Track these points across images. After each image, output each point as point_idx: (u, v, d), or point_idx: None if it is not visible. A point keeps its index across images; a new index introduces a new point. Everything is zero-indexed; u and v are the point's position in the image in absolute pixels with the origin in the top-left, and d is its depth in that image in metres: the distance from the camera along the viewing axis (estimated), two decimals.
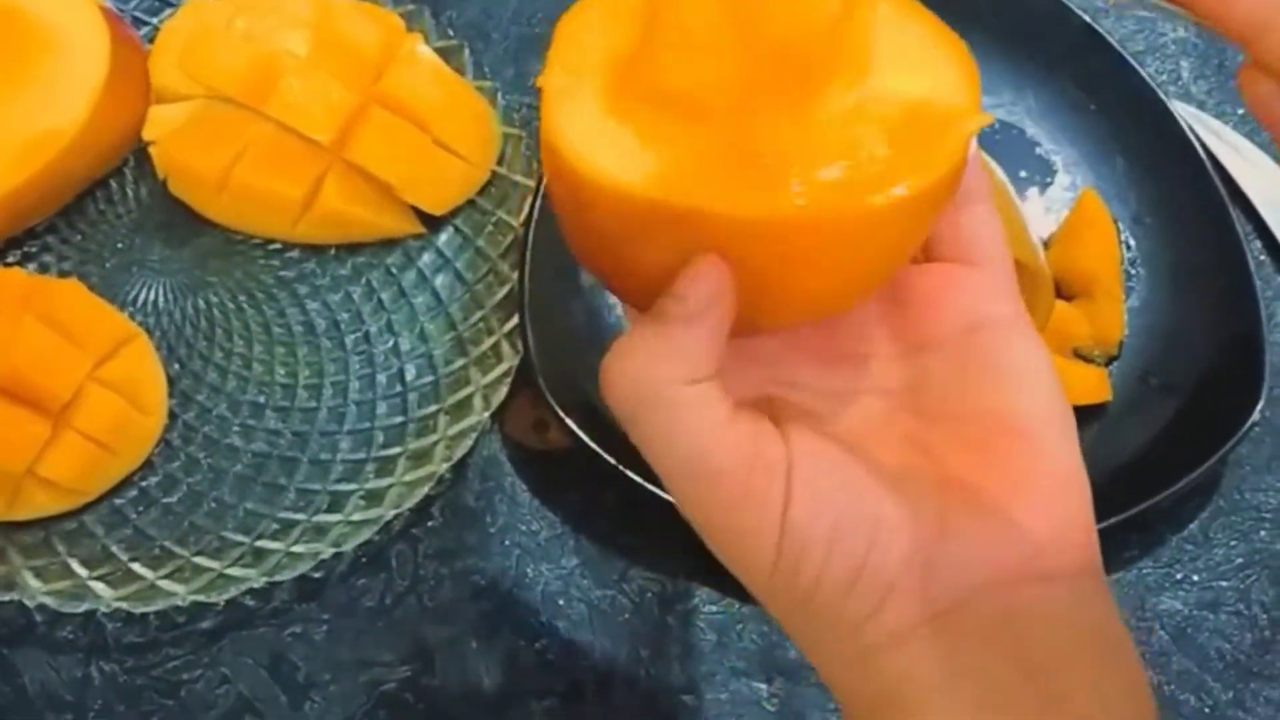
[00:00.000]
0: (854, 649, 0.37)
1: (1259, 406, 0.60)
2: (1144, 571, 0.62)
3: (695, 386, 0.36)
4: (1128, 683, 0.38)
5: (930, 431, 0.39)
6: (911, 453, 0.39)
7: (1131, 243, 0.68)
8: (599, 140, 0.35)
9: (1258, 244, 0.70)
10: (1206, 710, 0.59)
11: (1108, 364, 0.64)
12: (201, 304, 0.66)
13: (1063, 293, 0.65)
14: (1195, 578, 0.62)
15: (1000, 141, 0.71)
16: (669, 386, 0.36)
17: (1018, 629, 0.37)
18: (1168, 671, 0.60)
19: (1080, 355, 0.64)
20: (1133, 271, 0.68)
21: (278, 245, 0.67)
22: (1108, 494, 0.60)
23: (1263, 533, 0.62)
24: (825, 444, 0.37)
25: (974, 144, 0.37)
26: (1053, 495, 0.38)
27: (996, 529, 0.37)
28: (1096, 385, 0.63)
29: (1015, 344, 0.39)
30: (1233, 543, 0.62)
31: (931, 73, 0.36)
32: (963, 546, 0.37)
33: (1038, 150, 0.71)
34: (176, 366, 0.64)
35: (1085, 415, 0.63)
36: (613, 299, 0.66)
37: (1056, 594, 0.37)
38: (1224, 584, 0.61)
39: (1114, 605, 0.39)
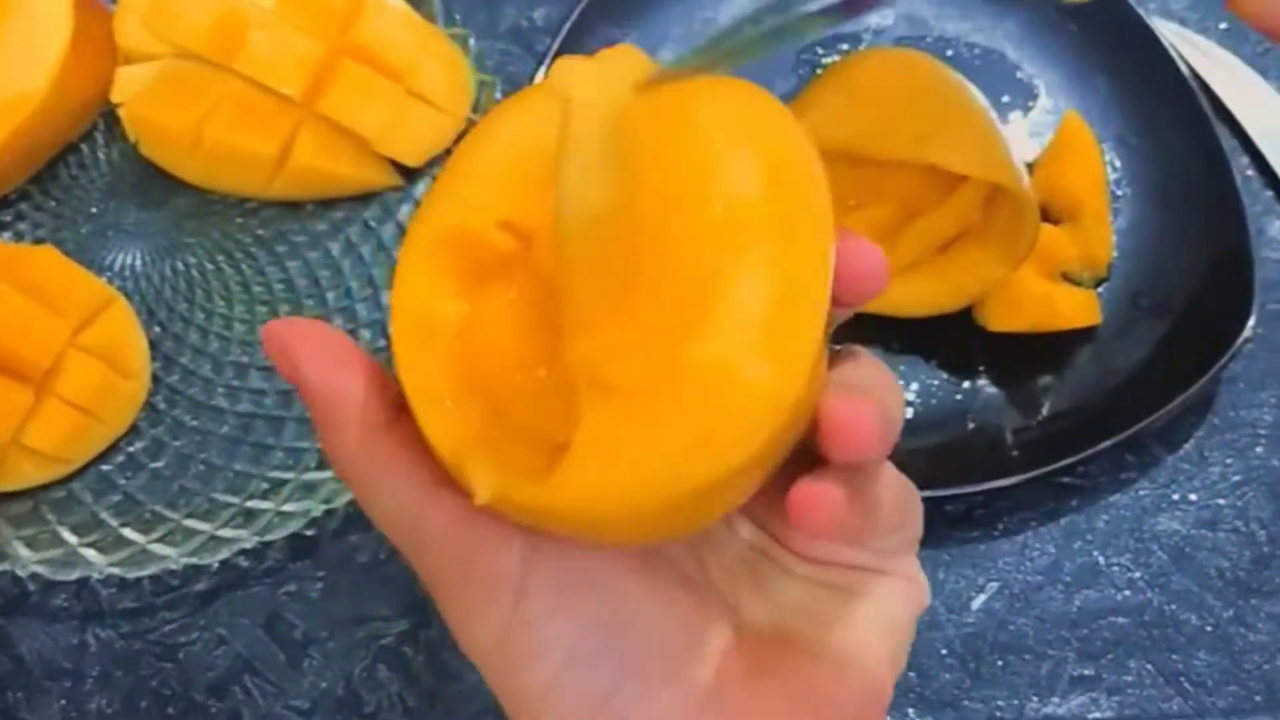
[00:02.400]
0: None
1: (1250, 323, 0.60)
2: (1141, 493, 0.61)
3: (377, 438, 0.33)
4: None
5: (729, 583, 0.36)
6: (703, 582, 0.36)
7: (1117, 164, 0.68)
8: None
9: (1244, 159, 0.70)
10: (1208, 629, 0.59)
11: (1097, 286, 0.64)
12: (180, 266, 0.65)
13: (1049, 216, 0.64)
14: (1192, 497, 0.61)
15: (981, 66, 0.70)
16: (347, 453, 0.33)
17: None
18: (1168, 591, 0.59)
19: (1069, 278, 0.64)
20: (1119, 192, 0.67)
21: (254, 203, 0.66)
22: (1102, 416, 0.60)
23: (1259, 449, 0.62)
24: (563, 545, 0.33)
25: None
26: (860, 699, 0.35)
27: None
28: (1086, 308, 0.62)
29: (876, 592, 0.37)
30: (1229, 460, 0.62)
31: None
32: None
33: (1019, 74, 0.70)
34: (157, 330, 0.63)
35: (1076, 338, 0.62)
36: None
37: None
38: (1221, 502, 0.61)
39: None
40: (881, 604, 0.37)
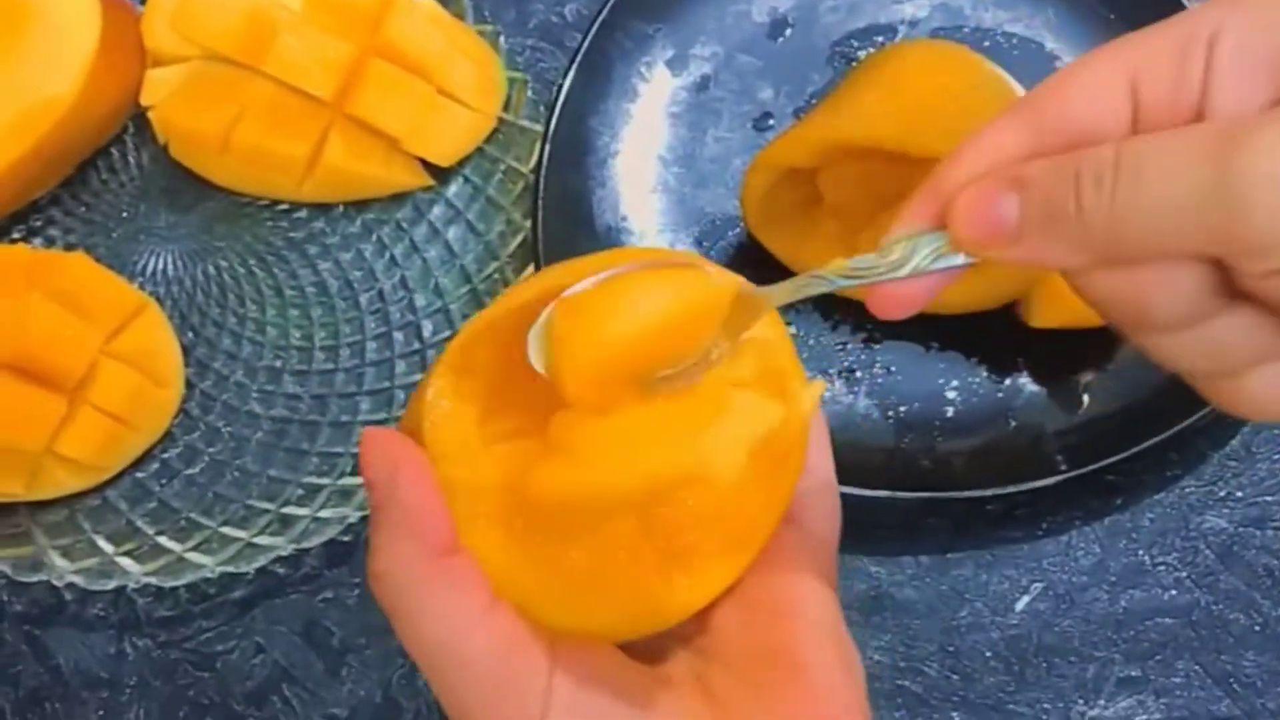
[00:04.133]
0: None
1: None
2: (1187, 490, 0.60)
3: (443, 559, 0.35)
4: None
5: (710, 668, 0.38)
6: (693, 691, 0.38)
7: None
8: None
9: None
10: (1257, 629, 0.58)
11: None
12: (211, 270, 0.64)
13: None
14: (1239, 494, 0.60)
15: (1019, 57, 0.69)
16: (411, 565, 0.35)
17: None
18: (1215, 590, 0.58)
19: None
20: None
21: (285, 206, 0.66)
22: (1146, 413, 0.59)
23: None
24: (594, 652, 0.37)
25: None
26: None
27: None
28: None
29: (803, 593, 0.39)
30: (1276, 456, 0.61)
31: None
32: None
33: (1057, 64, 0.69)
34: (190, 335, 0.63)
35: (1118, 334, 0.61)
36: (630, 241, 0.64)
37: None
38: (1269, 499, 0.60)
39: None
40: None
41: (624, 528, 0.37)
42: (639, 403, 0.37)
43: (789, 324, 0.62)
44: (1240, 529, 0.60)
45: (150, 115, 0.65)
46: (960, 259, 0.36)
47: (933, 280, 0.36)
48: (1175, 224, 0.30)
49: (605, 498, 0.36)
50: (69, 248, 0.64)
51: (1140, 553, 0.59)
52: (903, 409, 0.61)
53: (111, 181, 0.66)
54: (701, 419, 0.36)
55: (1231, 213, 0.29)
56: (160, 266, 0.64)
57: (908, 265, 0.36)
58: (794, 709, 0.37)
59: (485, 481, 0.37)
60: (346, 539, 0.59)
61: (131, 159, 0.67)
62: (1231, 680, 0.57)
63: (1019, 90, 0.60)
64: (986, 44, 0.69)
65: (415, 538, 0.35)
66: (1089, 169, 0.32)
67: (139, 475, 0.61)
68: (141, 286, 0.63)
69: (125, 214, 0.66)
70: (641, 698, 0.36)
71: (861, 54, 0.69)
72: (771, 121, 0.67)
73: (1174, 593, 0.59)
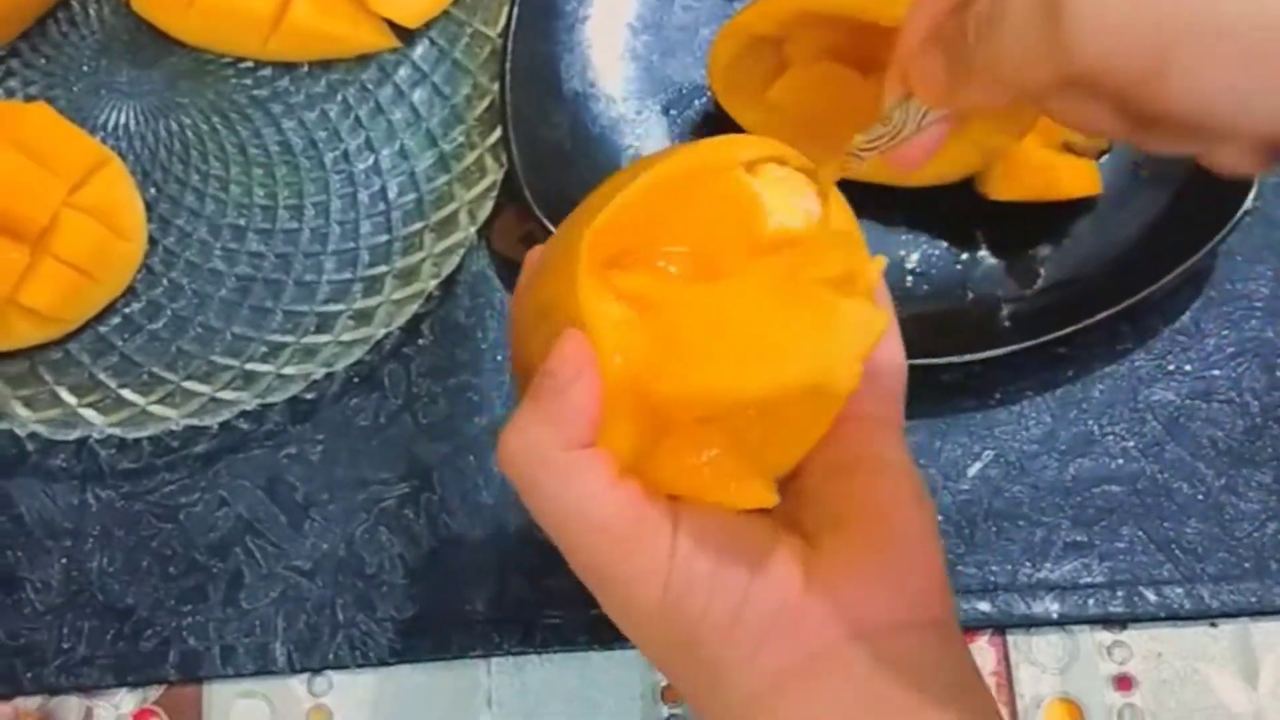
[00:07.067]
0: (736, 695, 0.40)
1: (1250, 195, 0.60)
2: (1137, 363, 0.62)
3: (577, 452, 0.39)
4: None
5: (801, 510, 0.42)
6: (782, 523, 0.42)
7: None
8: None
9: None
10: (1200, 497, 0.59)
11: (1099, 157, 0.64)
12: (175, 126, 0.64)
13: None
14: (1187, 368, 0.62)
15: None
16: (552, 450, 0.39)
17: (886, 676, 0.40)
18: (1161, 460, 0.60)
19: (1071, 149, 0.63)
20: None
21: (249, 64, 0.65)
22: (1100, 286, 0.60)
23: (1254, 321, 0.62)
24: (711, 508, 0.41)
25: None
26: (906, 556, 0.42)
27: (860, 585, 0.41)
28: (1087, 178, 0.62)
29: (880, 438, 0.44)
30: (1224, 332, 0.62)
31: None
32: (825, 600, 0.40)
33: None
34: (153, 191, 0.63)
35: (1076, 209, 0.62)
36: (597, 108, 0.64)
37: (921, 641, 0.41)
38: (1216, 373, 0.62)
39: (969, 652, 0.43)
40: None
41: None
42: (755, 281, 0.41)
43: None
44: (1187, 402, 0.61)
45: None
46: (937, 113, 0.42)
47: (933, 133, 0.43)
48: (1030, 54, 0.35)
49: (727, 403, 0.39)
50: (29, 99, 0.63)
51: (1090, 423, 0.61)
52: None
53: (72, 34, 0.65)
54: (817, 327, 0.39)
55: (1058, 29, 0.34)
56: (122, 121, 0.64)
57: (906, 127, 0.43)
58: (883, 540, 0.41)
59: (621, 380, 0.39)
60: (310, 396, 0.60)
61: (92, 12, 0.66)
62: (1174, 546, 0.59)
63: None
64: None
65: (562, 429, 0.39)
66: (971, 24, 0.37)
67: (101, 329, 0.60)
68: (103, 141, 0.63)
69: (86, 68, 0.65)
70: (754, 540, 0.41)
71: None
72: None
73: (1121, 462, 0.60)
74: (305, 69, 0.65)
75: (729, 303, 0.40)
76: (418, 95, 0.65)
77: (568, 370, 0.39)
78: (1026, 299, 0.61)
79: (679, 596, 0.39)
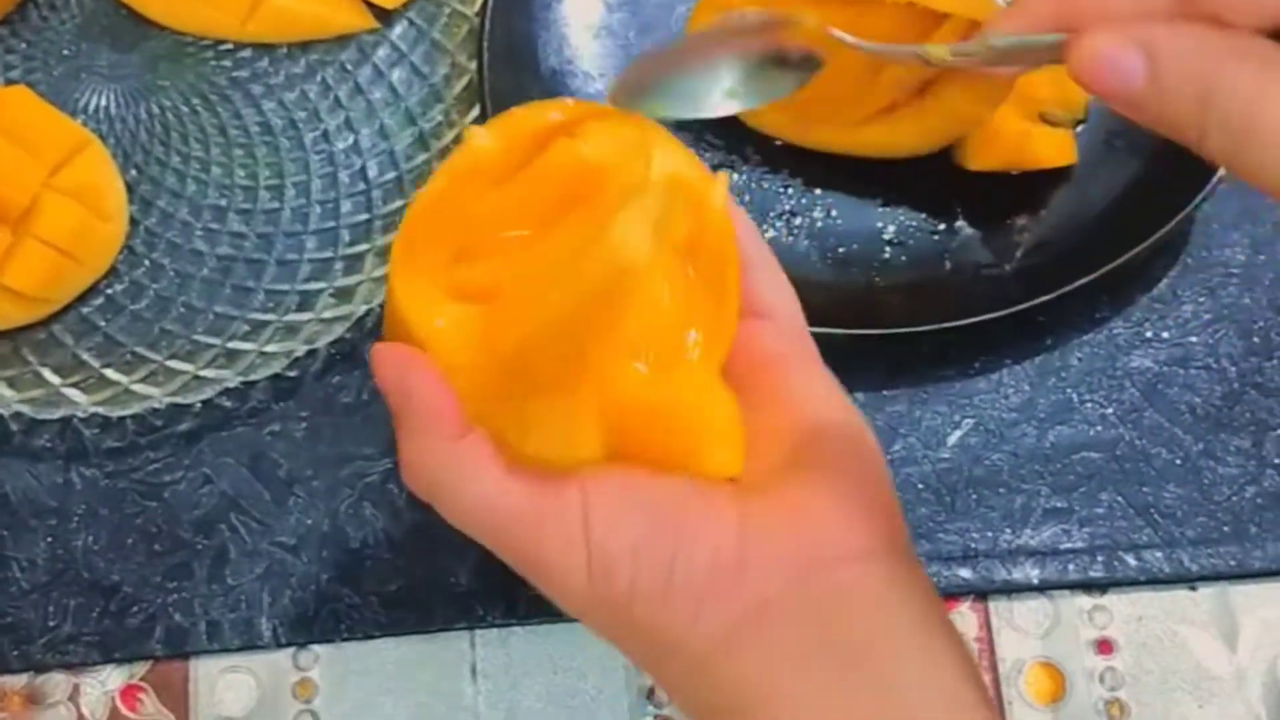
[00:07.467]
0: (684, 664, 0.39)
1: None
2: (1114, 331, 0.62)
3: (459, 443, 0.40)
4: (953, 660, 0.39)
5: None
6: None
7: None
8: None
9: None
10: (1178, 463, 0.60)
11: (1074, 127, 0.64)
12: (155, 108, 0.64)
13: None
14: (1165, 335, 0.62)
15: None
16: (434, 455, 0.40)
17: (843, 613, 0.38)
18: (1139, 426, 0.60)
19: (1046, 119, 0.64)
20: None
21: (228, 45, 0.65)
22: (1076, 255, 0.61)
23: (1230, 288, 0.63)
24: (613, 469, 0.40)
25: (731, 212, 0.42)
26: (848, 482, 0.41)
27: (796, 522, 0.40)
28: (1062, 148, 0.62)
29: (797, 374, 0.43)
30: (1201, 299, 0.63)
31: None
32: (766, 543, 0.39)
33: None
34: (134, 172, 0.63)
35: (1052, 179, 0.63)
36: (574, 85, 0.65)
37: (878, 572, 0.39)
38: (1193, 340, 0.62)
39: (928, 581, 0.41)
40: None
41: (601, 353, 0.40)
42: (567, 224, 0.41)
43: (729, 169, 0.64)
44: (1164, 368, 0.62)
45: None
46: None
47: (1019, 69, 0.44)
48: None
49: (551, 325, 0.39)
50: (9, 83, 0.63)
51: (1068, 390, 0.61)
52: (841, 250, 0.62)
53: (52, 19, 0.65)
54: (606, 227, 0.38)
55: None
56: (103, 104, 0.64)
57: (1007, 60, 0.42)
58: (812, 471, 0.41)
59: (479, 373, 0.40)
60: (293, 374, 0.60)
61: None
62: (1152, 510, 0.59)
63: None
64: None
65: (432, 430, 0.39)
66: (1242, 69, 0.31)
67: (84, 310, 0.61)
68: (84, 124, 0.63)
69: (66, 51, 0.65)
70: (673, 498, 0.40)
71: None
72: None
73: (1099, 428, 0.61)
74: (284, 50, 0.65)
75: (540, 249, 0.41)
76: (396, 75, 0.65)
77: (394, 379, 0.40)
78: (1004, 269, 0.62)
79: (604, 577, 0.39)
